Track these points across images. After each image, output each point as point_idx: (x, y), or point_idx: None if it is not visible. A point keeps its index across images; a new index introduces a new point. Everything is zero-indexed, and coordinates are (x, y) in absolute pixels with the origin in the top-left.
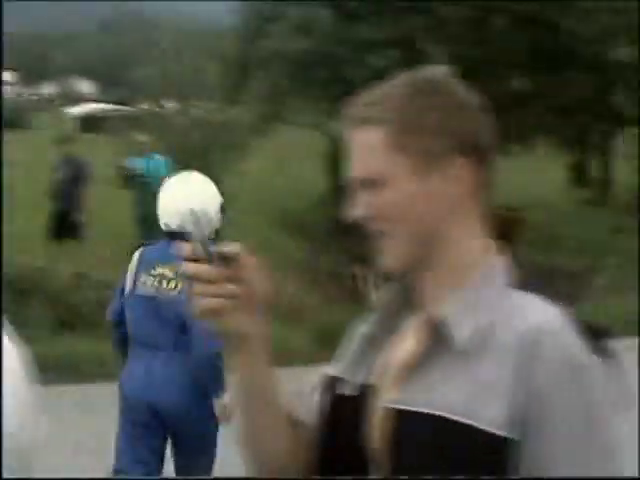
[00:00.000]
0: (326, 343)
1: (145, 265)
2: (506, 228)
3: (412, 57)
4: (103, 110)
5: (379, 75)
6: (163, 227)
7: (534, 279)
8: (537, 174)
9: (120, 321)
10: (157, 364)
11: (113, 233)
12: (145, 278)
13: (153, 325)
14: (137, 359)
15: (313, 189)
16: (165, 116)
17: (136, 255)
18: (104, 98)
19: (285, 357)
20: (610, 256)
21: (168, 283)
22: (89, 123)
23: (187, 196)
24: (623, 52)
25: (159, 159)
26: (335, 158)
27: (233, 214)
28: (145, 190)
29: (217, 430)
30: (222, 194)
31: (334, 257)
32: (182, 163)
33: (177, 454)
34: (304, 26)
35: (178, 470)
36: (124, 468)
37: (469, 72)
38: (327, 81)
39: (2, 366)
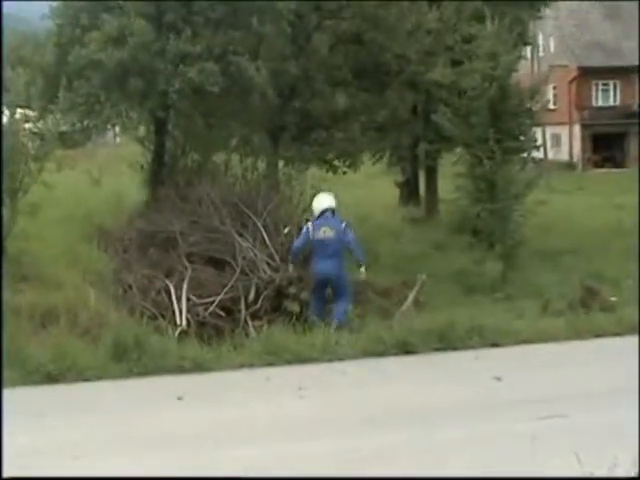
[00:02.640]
0: (120, 358)
1: (318, 223)
2: None
3: (228, 70)
4: None
5: (195, 87)
6: (318, 211)
7: None
8: (368, 191)
9: (299, 250)
10: (329, 261)
11: None
12: (318, 231)
13: (325, 247)
14: (320, 261)
15: (128, 202)
16: None
17: (309, 224)
18: None
19: (79, 372)
20: (425, 273)
21: (326, 232)
22: None
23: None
24: (441, 73)
25: None
26: (153, 171)
27: (39, 226)
28: None
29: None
30: (28, 205)
31: (144, 271)
32: None
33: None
34: (120, 36)
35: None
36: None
37: (289, 88)
38: (142, 92)
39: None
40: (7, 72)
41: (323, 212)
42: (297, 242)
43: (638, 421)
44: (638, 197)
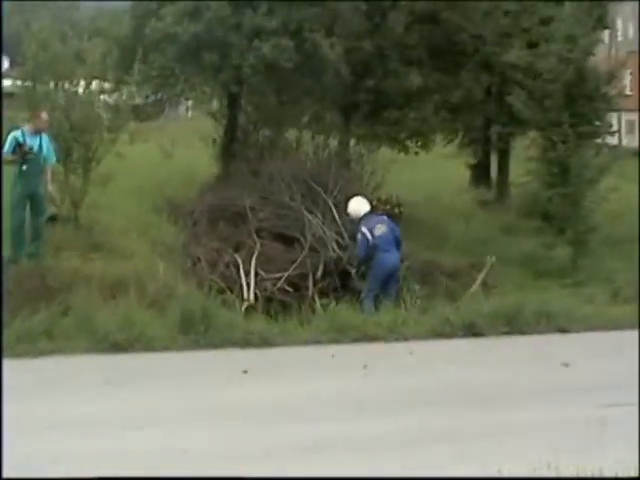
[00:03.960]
0: (187, 330)
1: (369, 224)
2: None
3: (303, 47)
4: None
5: (268, 63)
6: (360, 214)
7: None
8: (438, 172)
9: (367, 256)
10: (392, 255)
11: None
12: (375, 230)
13: (386, 242)
14: (386, 255)
15: (199, 176)
16: (45, 94)
17: (363, 229)
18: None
19: (146, 342)
20: (494, 256)
21: (381, 229)
22: None
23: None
24: (517, 55)
25: (47, 138)
26: (225, 146)
27: (112, 195)
28: (34, 167)
29: None
30: (100, 175)
31: (213, 245)
32: (63, 142)
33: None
34: (195, 10)
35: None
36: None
37: (363, 66)
38: (216, 66)
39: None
40: (83, 43)
41: (364, 214)
42: (360, 250)
43: (638, 417)
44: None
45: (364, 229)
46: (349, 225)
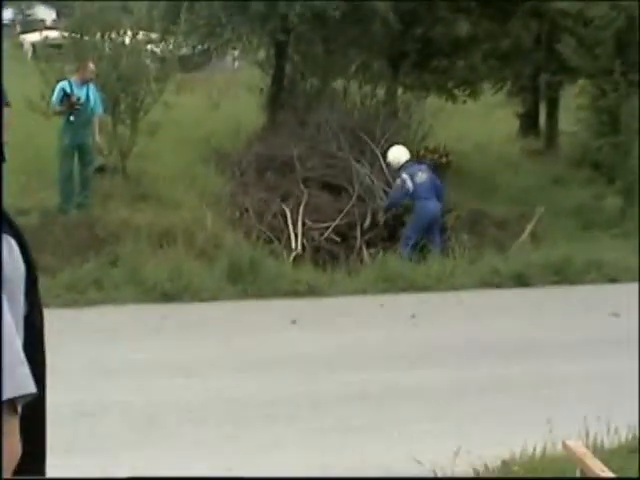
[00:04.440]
0: (235, 280)
1: (410, 171)
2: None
3: None
4: (56, 38)
5: (316, 12)
6: (400, 163)
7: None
8: (487, 121)
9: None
10: (432, 203)
11: (35, 161)
12: (416, 177)
13: (427, 189)
14: (428, 202)
15: (246, 126)
16: (92, 44)
17: (404, 175)
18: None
19: (194, 292)
20: (543, 206)
21: (422, 177)
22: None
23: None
24: (567, 1)
25: (94, 88)
26: (272, 95)
27: (159, 146)
28: (81, 118)
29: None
30: (148, 125)
31: (260, 195)
32: (110, 92)
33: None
34: None
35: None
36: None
37: (410, 14)
38: (263, 15)
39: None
40: None
41: (404, 163)
42: (397, 194)
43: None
44: None
45: (405, 175)
46: (394, 174)
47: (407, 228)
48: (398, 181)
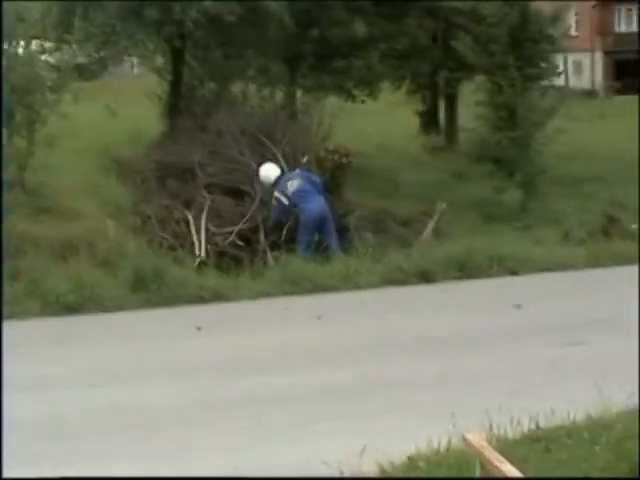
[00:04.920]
0: (139, 289)
1: (280, 187)
2: (333, 171)
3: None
4: None
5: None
6: (272, 180)
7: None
8: (388, 120)
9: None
10: (313, 203)
11: None
12: (287, 189)
13: (303, 194)
14: (306, 206)
15: (146, 134)
16: None
17: (275, 194)
18: None
19: (98, 302)
20: (445, 202)
21: (293, 184)
22: None
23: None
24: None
25: None
26: (171, 102)
27: (58, 157)
28: None
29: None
30: (46, 136)
31: (162, 202)
32: (5, 105)
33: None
34: None
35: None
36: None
37: (307, 16)
38: (158, 21)
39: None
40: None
41: (275, 179)
42: (275, 211)
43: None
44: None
45: (277, 194)
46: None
47: (298, 232)
48: (273, 200)
